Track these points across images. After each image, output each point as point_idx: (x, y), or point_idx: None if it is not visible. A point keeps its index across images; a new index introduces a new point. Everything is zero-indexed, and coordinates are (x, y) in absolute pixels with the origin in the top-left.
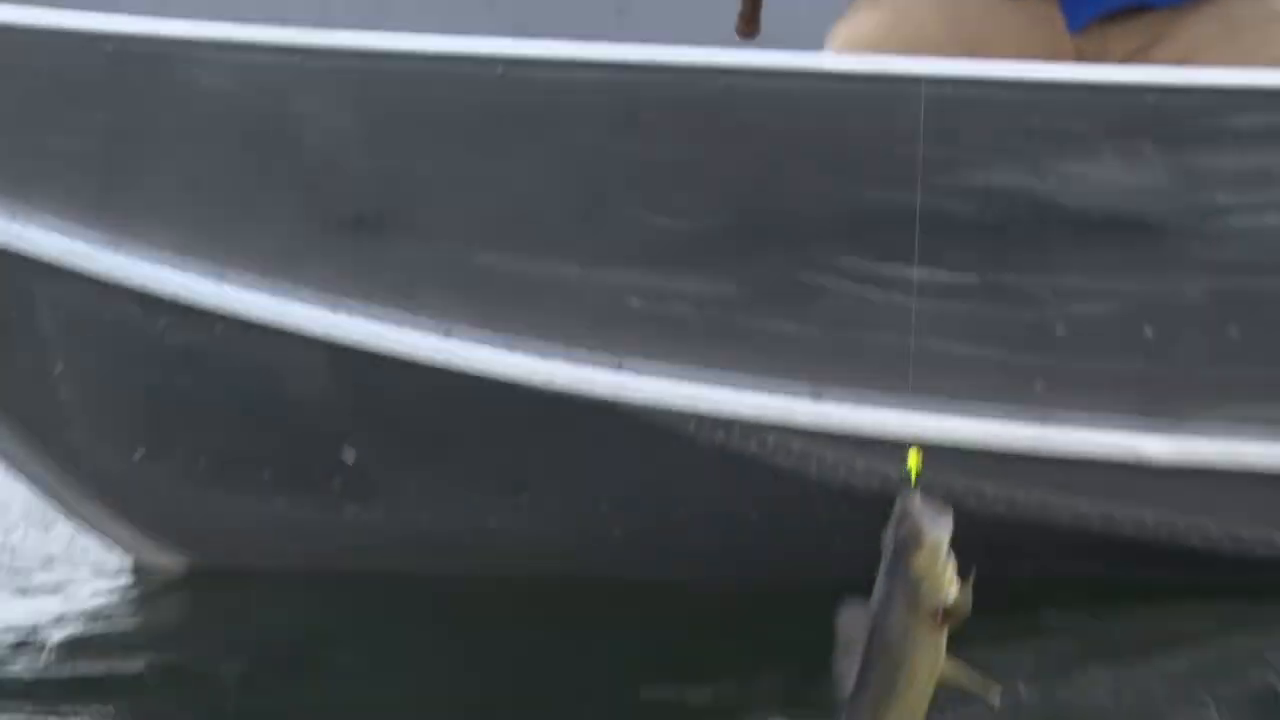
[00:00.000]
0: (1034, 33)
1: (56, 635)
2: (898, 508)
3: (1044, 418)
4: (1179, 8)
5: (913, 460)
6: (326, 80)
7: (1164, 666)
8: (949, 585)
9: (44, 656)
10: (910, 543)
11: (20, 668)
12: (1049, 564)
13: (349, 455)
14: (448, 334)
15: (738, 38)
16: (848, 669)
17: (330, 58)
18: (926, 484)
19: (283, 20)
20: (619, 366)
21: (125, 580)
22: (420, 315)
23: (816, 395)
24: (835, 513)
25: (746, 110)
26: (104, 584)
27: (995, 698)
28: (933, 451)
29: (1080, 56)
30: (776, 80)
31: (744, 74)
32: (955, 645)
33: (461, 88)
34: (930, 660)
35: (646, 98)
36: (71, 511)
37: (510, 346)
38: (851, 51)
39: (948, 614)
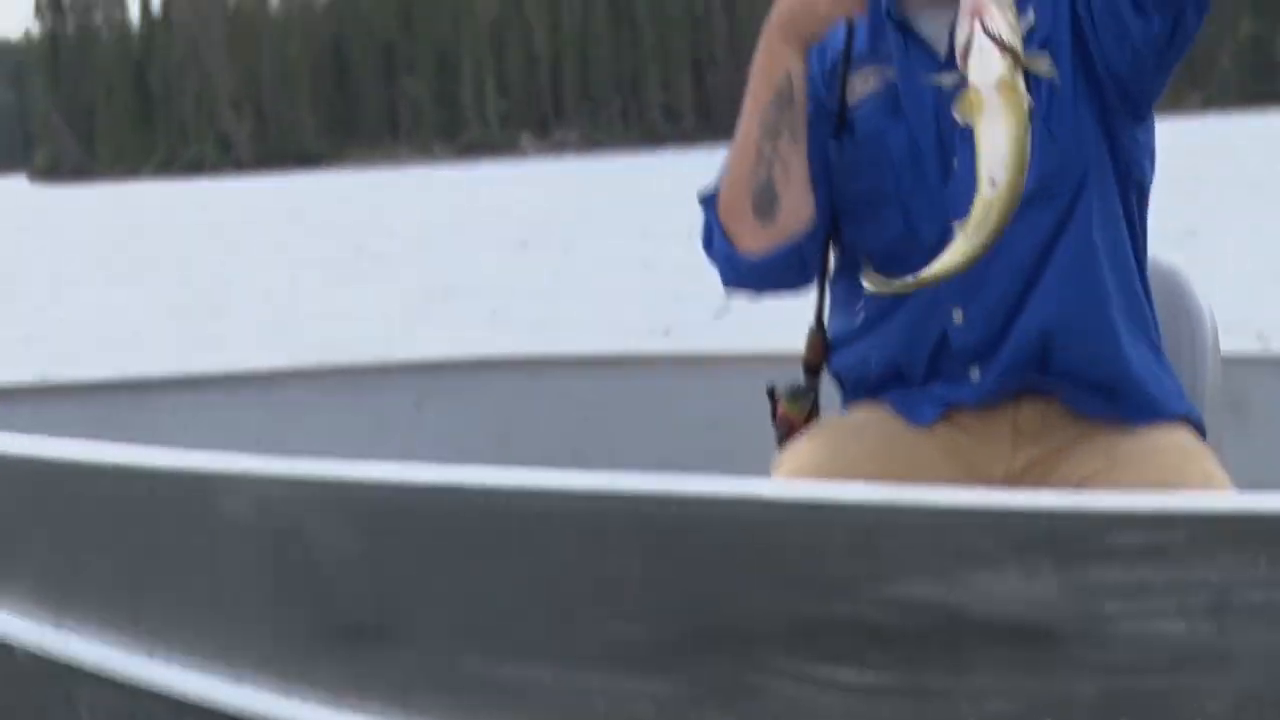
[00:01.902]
0: (956, 464)
1: None
2: None
3: None
4: (1075, 439)
5: None
6: (334, 507)
7: None
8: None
9: None
10: None
11: None
12: None
13: None
14: None
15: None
16: None
17: (338, 489)
18: None
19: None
20: None
21: None
22: (413, 715)
23: None
24: None
25: (699, 531)
26: None
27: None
28: None
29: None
30: (726, 506)
31: (695, 501)
32: None
33: (446, 513)
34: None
35: (610, 523)
36: None
37: None
38: (793, 479)
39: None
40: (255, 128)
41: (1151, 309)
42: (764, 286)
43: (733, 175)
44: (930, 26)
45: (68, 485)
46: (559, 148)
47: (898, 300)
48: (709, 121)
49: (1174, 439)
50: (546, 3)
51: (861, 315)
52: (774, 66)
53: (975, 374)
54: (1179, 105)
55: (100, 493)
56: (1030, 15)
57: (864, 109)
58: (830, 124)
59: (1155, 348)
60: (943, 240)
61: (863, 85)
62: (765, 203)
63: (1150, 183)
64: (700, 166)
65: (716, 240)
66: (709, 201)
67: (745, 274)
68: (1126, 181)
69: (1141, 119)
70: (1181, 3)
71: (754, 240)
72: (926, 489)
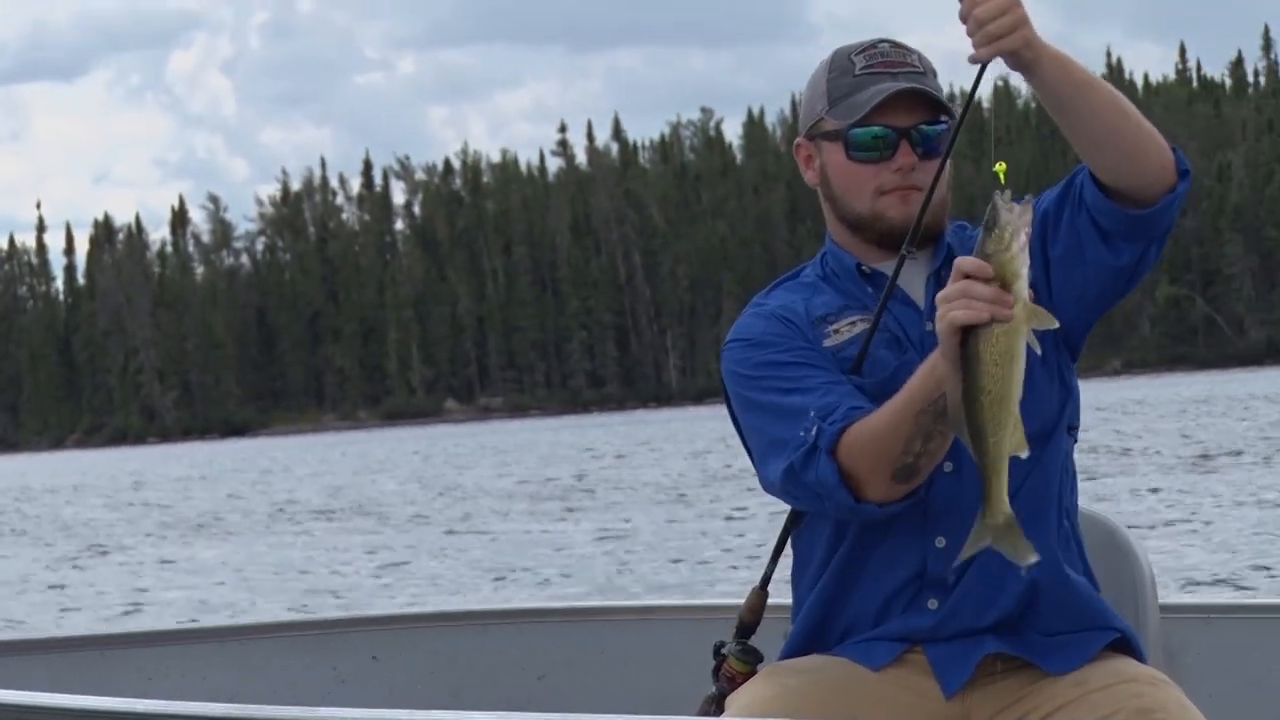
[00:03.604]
0: (908, 703)
1: None
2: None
3: None
4: (1054, 679)
5: (1000, 169)
6: None
7: None
8: (1014, 262)
9: None
10: (989, 224)
11: None
12: None
13: None
14: None
15: None
16: None
17: None
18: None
19: None
20: None
21: None
22: None
23: None
24: None
25: None
26: None
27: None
28: None
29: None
30: None
31: None
32: None
33: None
34: (1005, 333)
35: None
36: None
37: None
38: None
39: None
40: (180, 397)
41: (1080, 544)
42: (866, 516)
43: (879, 449)
44: (904, 277)
45: None
46: (484, 413)
47: (879, 537)
48: (632, 387)
49: (1141, 669)
50: (470, 270)
51: (838, 559)
52: (943, 378)
53: (934, 604)
54: (1100, 368)
55: None
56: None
57: (873, 351)
58: (842, 364)
59: (1090, 576)
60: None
61: (850, 329)
62: (905, 476)
63: (1078, 424)
64: (621, 430)
65: (828, 479)
66: (824, 448)
67: (850, 509)
68: (1067, 429)
69: (1072, 364)
70: (1149, 237)
71: (880, 494)
72: None
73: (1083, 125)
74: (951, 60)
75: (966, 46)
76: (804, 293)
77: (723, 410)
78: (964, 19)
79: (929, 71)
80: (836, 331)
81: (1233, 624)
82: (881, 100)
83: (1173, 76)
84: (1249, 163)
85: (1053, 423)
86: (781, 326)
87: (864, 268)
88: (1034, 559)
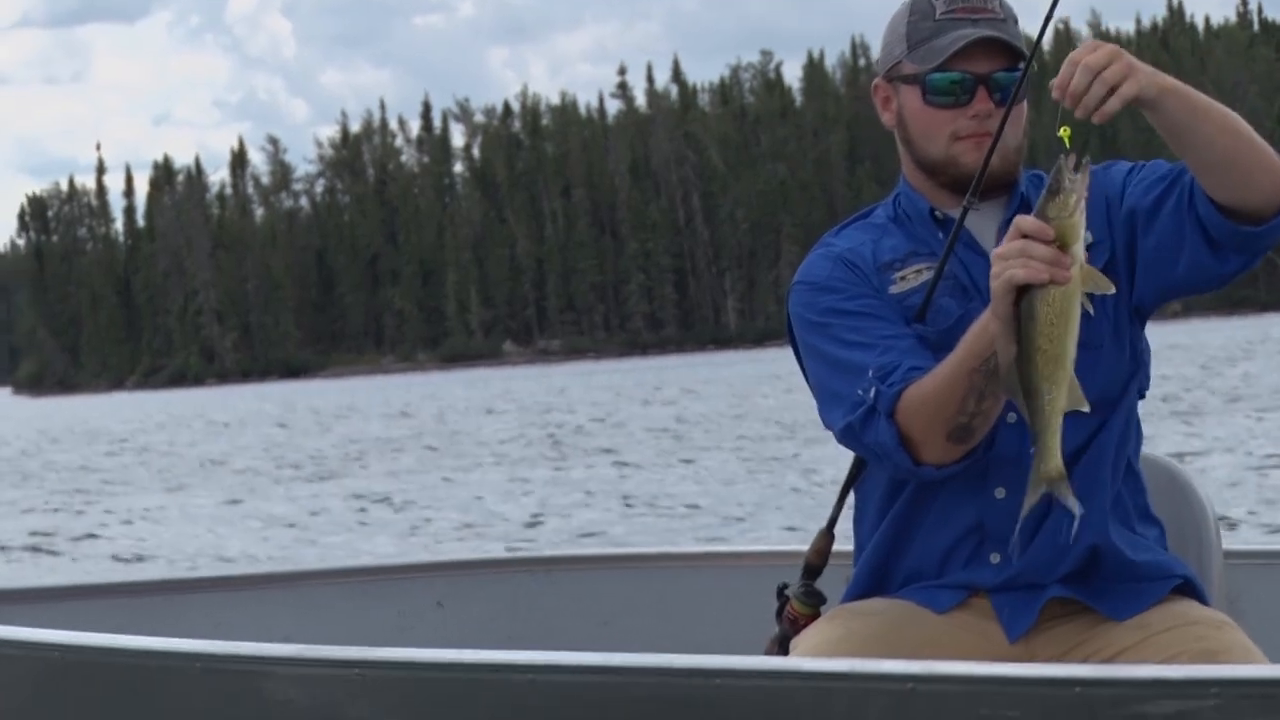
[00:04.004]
0: (973, 645)
1: None
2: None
3: None
4: (1117, 624)
5: (1065, 133)
6: (381, 690)
7: None
8: (1077, 227)
9: None
10: (1052, 187)
11: None
12: None
13: None
14: None
15: None
16: None
17: (382, 668)
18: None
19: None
20: None
21: None
22: None
23: None
24: None
25: (726, 706)
26: None
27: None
28: None
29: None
30: (753, 679)
31: (724, 674)
32: None
33: (490, 693)
34: (1062, 294)
35: (637, 696)
36: None
37: None
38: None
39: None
40: (239, 339)
41: (1144, 493)
42: (925, 478)
43: (933, 409)
44: (975, 223)
45: (114, 675)
46: (542, 356)
47: (940, 486)
48: (691, 330)
49: (1204, 612)
50: (528, 213)
51: (897, 507)
52: (995, 337)
53: (996, 558)
54: (1160, 311)
55: (141, 682)
56: (1087, 234)
57: (938, 298)
58: (906, 312)
59: (1156, 523)
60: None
61: (916, 277)
62: (960, 437)
63: (1148, 387)
64: (682, 373)
65: (887, 442)
66: (883, 411)
67: (909, 471)
68: (1136, 390)
69: (1143, 332)
70: (1256, 250)
71: (937, 456)
72: (957, 662)
73: (1199, 151)
74: (1027, 7)
75: None
76: (873, 234)
77: (784, 352)
78: (1065, 83)
79: (1009, 18)
80: (903, 279)
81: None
82: (960, 47)
83: (1234, 19)
84: None
85: (1120, 390)
86: (847, 271)
87: (937, 213)
88: (1080, 511)
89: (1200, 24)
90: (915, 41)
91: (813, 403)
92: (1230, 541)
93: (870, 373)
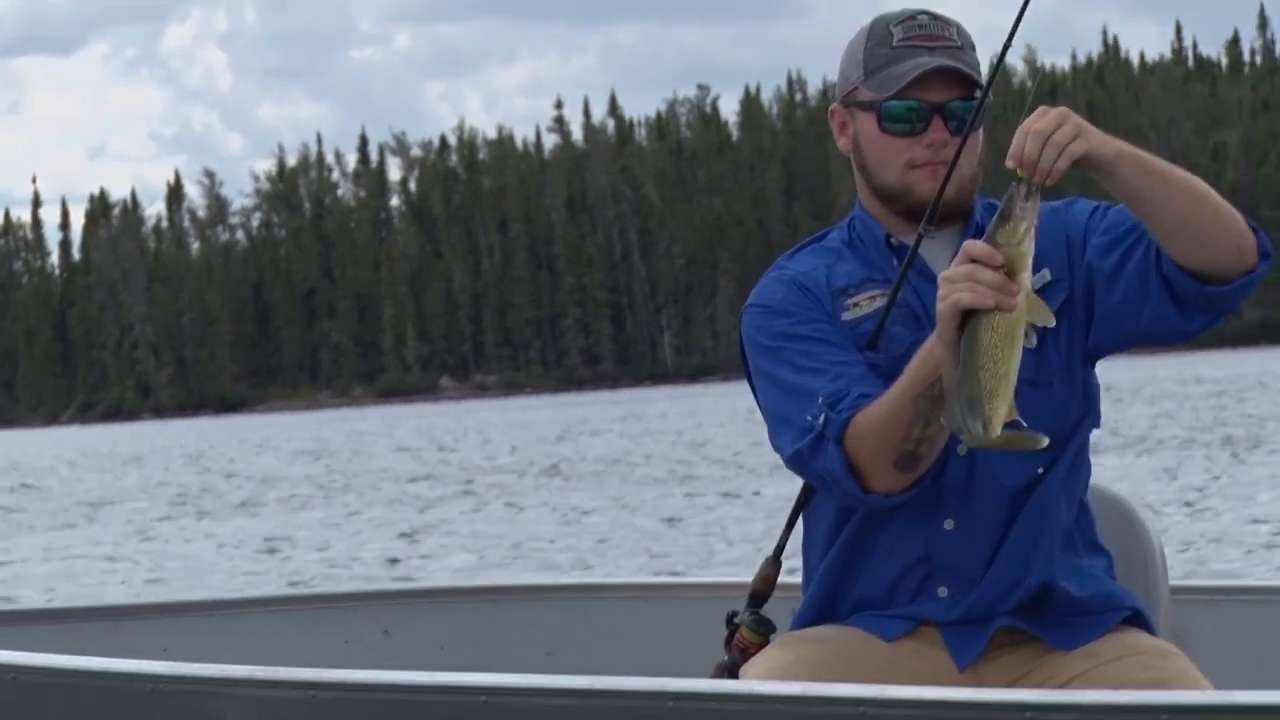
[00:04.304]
0: (922, 673)
1: None
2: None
3: None
4: (1063, 652)
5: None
6: (334, 712)
7: None
8: (1025, 255)
9: None
10: (1004, 214)
11: None
12: None
13: None
14: None
15: None
16: None
17: (336, 689)
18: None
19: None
20: None
21: None
22: None
23: None
24: None
25: None
26: None
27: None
28: None
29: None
30: (708, 702)
31: (679, 697)
32: None
33: (445, 715)
34: (1006, 320)
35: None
36: None
37: None
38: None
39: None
40: (175, 373)
41: (1093, 525)
42: (873, 506)
43: (880, 436)
44: (930, 251)
45: (66, 696)
46: (479, 391)
47: (888, 516)
48: (627, 365)
49: (1151, 641)
50: (465, 247)
51: (845, 535)
52: (939, 361)
53: (943, 591)
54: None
55: (94, 703)
56: (1045, 271)
57: (890, 325)
58: (858, 339)
59: (1103, 553)
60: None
61: (870, 303)
62: (907, 464)
63: (1099, 423)
64: (618, 409)
65: (836, 469)
66: (831, 438)
67: (857, 498)
68: (1088, 424)
69: (1093, 369)
70: (1222, 307)
71: (885, 484)
72: (909, 687)
73: (1158, 214)
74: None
75: (995, 18)
76: (828, 258)
77: (720, 387)
78: (1019, 153)
79: (966, 46)
80: (856, 305)
81: (1237, 606)
82: (916, 75)
83: (1169, 55)
84: (1244, 142)
85: (1071, 427)
86: (801, 295)
87: (892, 239)
88: (1044, 441)
89: (1135, 60)
90: (872, 68)
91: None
92: (1175, 577)
93: (820, 399)
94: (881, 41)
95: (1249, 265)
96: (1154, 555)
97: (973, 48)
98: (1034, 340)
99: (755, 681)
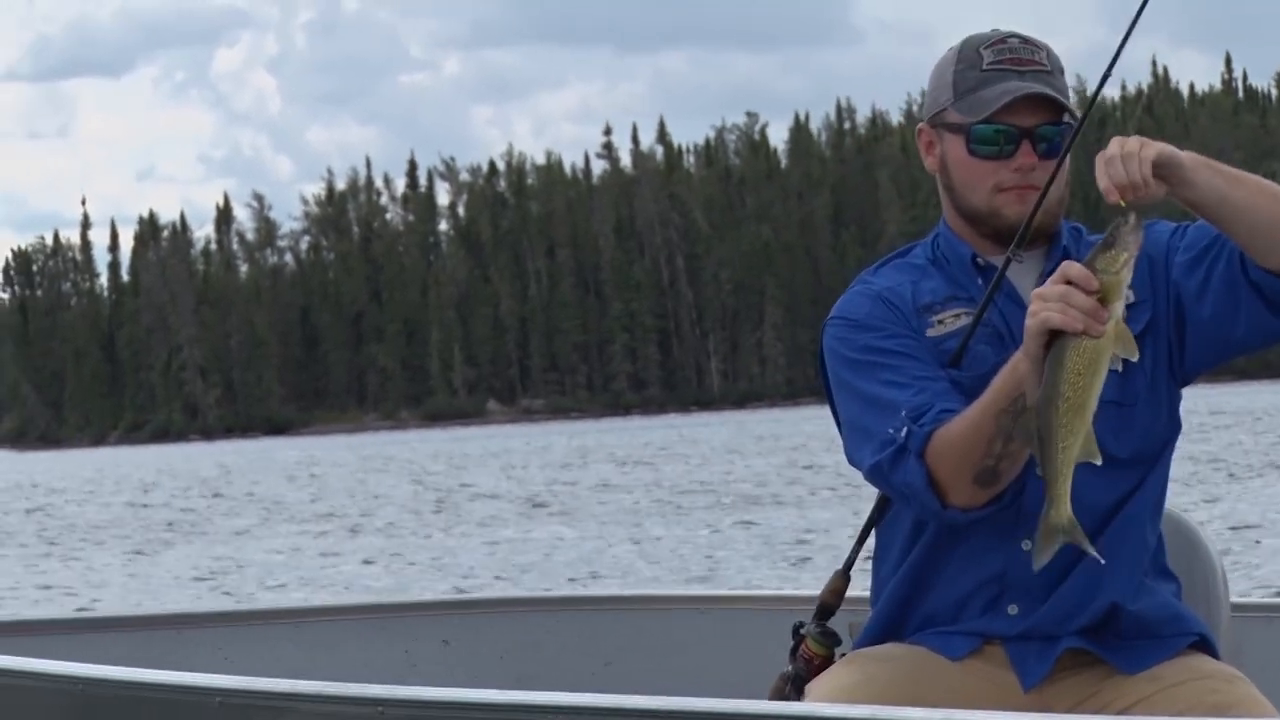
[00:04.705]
0: (987, 694)
1: None
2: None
3: None
4: (1130, 676)
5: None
6: None
7: None
8: (1121, 285)
9: None
10: (1108, 241)
11: None
12: None
13: None
14: None
15: None
16: None
17: (405, 707)
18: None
19: None
20: None
21: None
22: None
23: None
24: None
25: None
26: None
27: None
28: None
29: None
30: None
31: (740, 718)
32: None
33: None
34: (1093, 345)
35: None
36: None
37: None
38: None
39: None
40: (222, 394)
41: (1163, 548)
42: (950, 521)
43: (961, 451)
44: (1015, 273)
45: (134, 709)
46: (525, 415)
47: (964, 533)
48: (674, 391)
49: (1216, 666)
50: (513, 272)
51: (919, 551)
52: (1023, 378)
53: (1014, 610)
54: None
55: (160, 716)
56: (1131, 292)
57: (973, 344)
58: (941, 356)
59: (1172, 578)
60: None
61: (954, 321)
62: (986, 480)
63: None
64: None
65: (915, 482)
66: (913, 451)
67: (935, 513)
68: (1172, 446)
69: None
70: None
71: (964, 499)
72: (978, 711)
73: (1238, 218)
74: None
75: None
76: (912, 275)
77: (764, 414)
78: (1108, 184)
79: (1055, 70)
80: (940, 322)
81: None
82: (1007, 101)
83: (1219, 86)
84: None
85: (1157, 448)
86: (886, 310)
87: (979, 260)
88: (1094, 553)
89: (1185, 90)
90: (962, 91)
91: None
92: (1232, 594)
93: (903, 412)
94: (971, 64)
95: None
96: (1215, 576)
97: (1061, 71)
98: (1120, 368)
99: (822, 703)
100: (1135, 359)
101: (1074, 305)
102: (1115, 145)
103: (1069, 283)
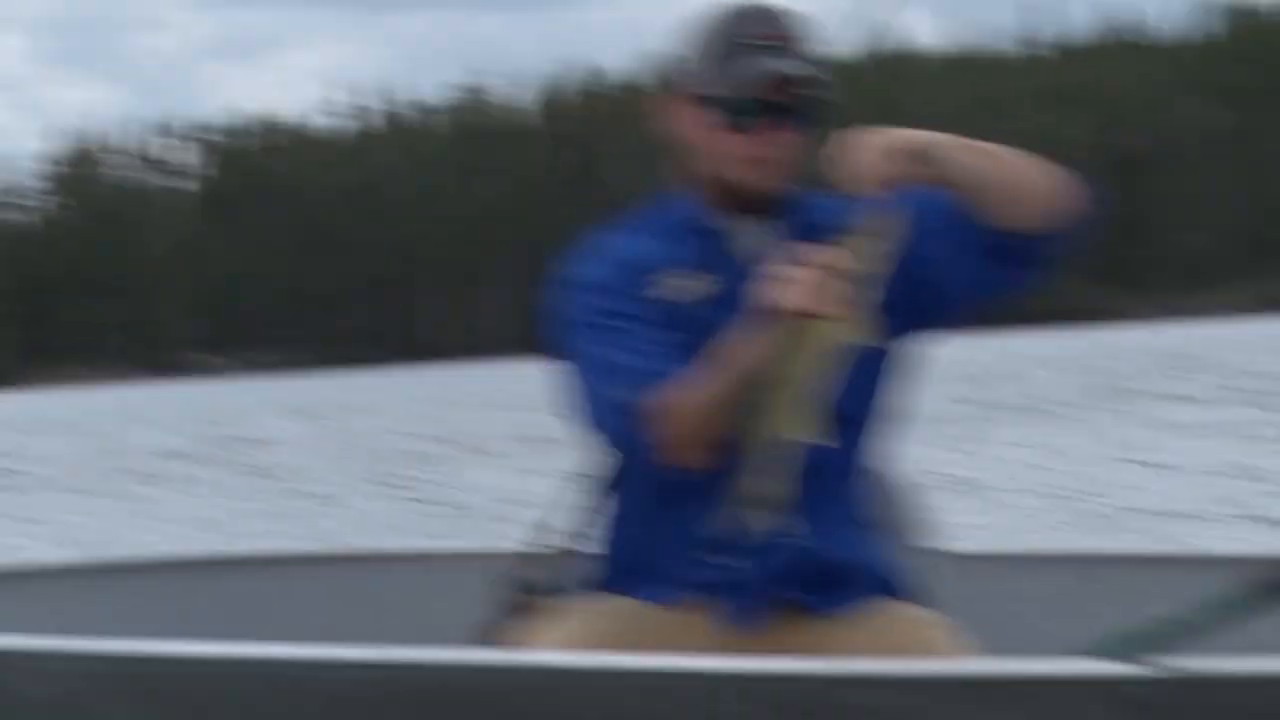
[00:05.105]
0: (697, 644)
1: None
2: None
3: None
4: (831, 620)
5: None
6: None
7: None
8: (870, 275)
9: None
10: (853, 226)
11: None
12: None
13: None
14: None
15: None
16: None
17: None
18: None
19: None
20: None
21: None
22: None
23: None
24: None
25: (453, 700)
26: None
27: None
28: None
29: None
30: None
31: (442, 668)
32: None
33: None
34: (830, 329)
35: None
36: None
37: None
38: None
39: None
40: None
41: (873, 497)
42: (667, 479)
43: (687, 414)
44: (747, 239)
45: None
46: (254, 368)
47: (682, 489)
48: (412, 343)
49: (920, 611)
50: (250, 227)
51: (636, 508)
52: (751, 349)
53: (724, 561)
54: None
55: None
56: (868, 270)
57: (703, 308)
58: (669, 319)
59: (883, 529)
60: None
61: (682, 284)
62: (708, 443)
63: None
64: (399, 386)
65: (643, 444)
66: (642, 414)
67: (656, 471)
68: (883, 409)
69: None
70: (1036, 258)
71: (685, 459)
72: (694, 658)
73: (985, 189)
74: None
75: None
76: (642, 237)
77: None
78: (851, 170)
79: (803, 38)
80: (669, 285)
81: (985, 568)
82: (753, 75)
83: (945, 45)
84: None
85: (865, 410)
86: (616, 273)
87: (709, 224)
88: (826, 429)
89: (924, 50)
90: (708, 60)
91: None
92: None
93: (631, 375)
94: (719, 33)
95: (1065, 215)
96: (924, 527)
97: (810, 38)
98: (850, 341)
99: (538, 653)
100: (867, 341)
101: (814, 286)
102: (864, 141)
103: (809, 263)
